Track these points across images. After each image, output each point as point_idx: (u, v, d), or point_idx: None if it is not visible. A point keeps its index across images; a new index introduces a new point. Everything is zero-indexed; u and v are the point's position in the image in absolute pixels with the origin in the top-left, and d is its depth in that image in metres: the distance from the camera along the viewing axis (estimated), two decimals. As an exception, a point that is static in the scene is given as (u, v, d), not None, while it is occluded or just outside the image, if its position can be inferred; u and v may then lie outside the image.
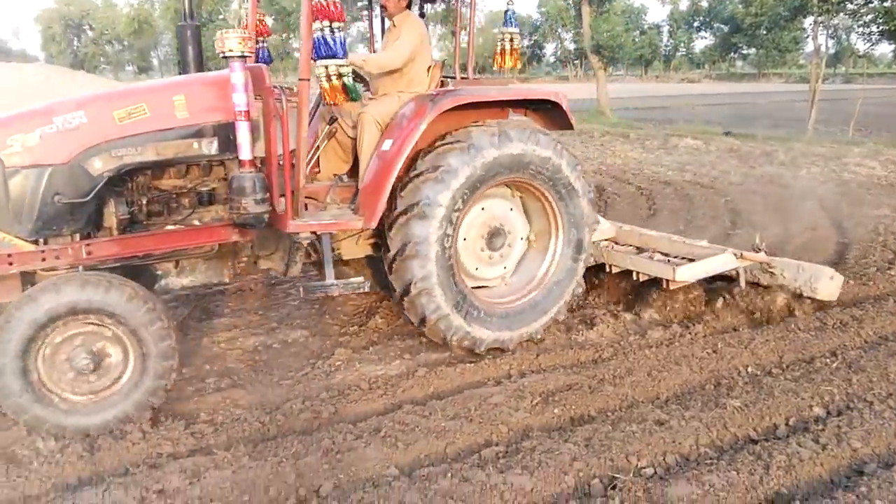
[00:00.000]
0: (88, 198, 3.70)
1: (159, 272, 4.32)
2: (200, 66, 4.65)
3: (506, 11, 4.91)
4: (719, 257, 5.09)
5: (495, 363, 4.49)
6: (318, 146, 4.72)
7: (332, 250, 4.49)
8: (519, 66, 5.10)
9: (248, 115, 3.70)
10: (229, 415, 3.83)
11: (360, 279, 4.42)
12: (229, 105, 3.68)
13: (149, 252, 4.04)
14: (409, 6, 4.78)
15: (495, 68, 5.11)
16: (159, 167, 4.02)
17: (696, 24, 74.90)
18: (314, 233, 4.25)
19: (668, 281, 4.96)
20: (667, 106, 29.07)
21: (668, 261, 5.16)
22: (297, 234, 4.17)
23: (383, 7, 4.88)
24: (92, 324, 3.55)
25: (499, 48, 4.97)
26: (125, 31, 58.57)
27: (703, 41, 78.13)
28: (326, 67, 3.86)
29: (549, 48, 77.26)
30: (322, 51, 3.82)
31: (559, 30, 54.01)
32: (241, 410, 3.89)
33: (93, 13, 61.92)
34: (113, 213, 3.95)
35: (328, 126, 4.73)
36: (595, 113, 24.16)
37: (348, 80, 3.88)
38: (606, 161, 13.84)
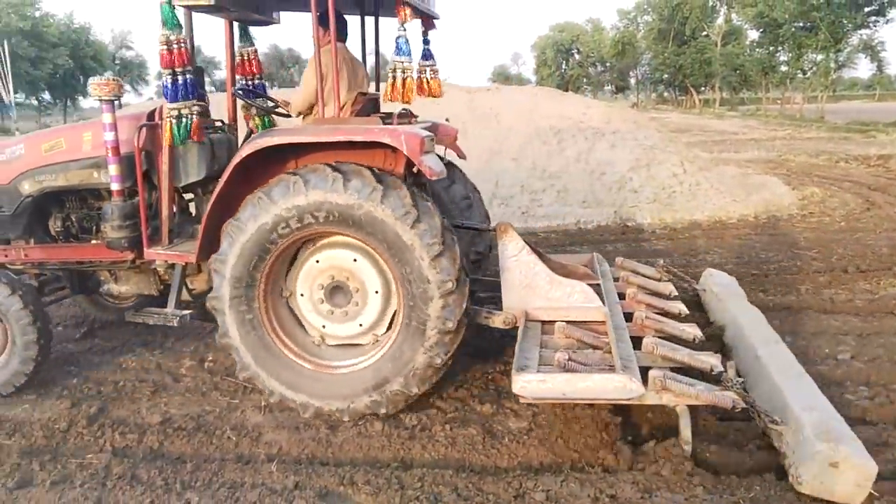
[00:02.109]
0: (15, 212, 4.68)
1: (102, 278, 4.98)
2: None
3: (397, 38, 4.14)
4: (594, 378, 3.35)
5: None
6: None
7: None
8: (410, 99, 4.32)
9: (116, 151, 4.22)
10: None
11: (184, 312, 4.42)
12: (122, 141, 4.24)
13: (63, 260, 4.81)
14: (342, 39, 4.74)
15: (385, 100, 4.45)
16: (81, 191, 4.69)
17: None
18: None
19: None
20: None
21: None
22: (153, 261, 4.55)
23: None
24: None
25: (390, 81, 4.24)
26: (609, 53, 62.72)
27: None
28: (178, 109, 4.05)
29: None
30: (171, 95, 4.02)
31: None
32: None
33: (582, 38, 67.92)
34: (52, 227, 4.87)
35: None
36: None
37: (190, 119, 4.09)
38: None
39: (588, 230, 9.80)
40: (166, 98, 4.09)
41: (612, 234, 9.46)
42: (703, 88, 60.63)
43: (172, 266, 4.57)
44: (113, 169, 4.28)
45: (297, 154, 4.11)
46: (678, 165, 11.35)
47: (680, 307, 4.45)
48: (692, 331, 3.99)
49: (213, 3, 4.10)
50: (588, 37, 68.31)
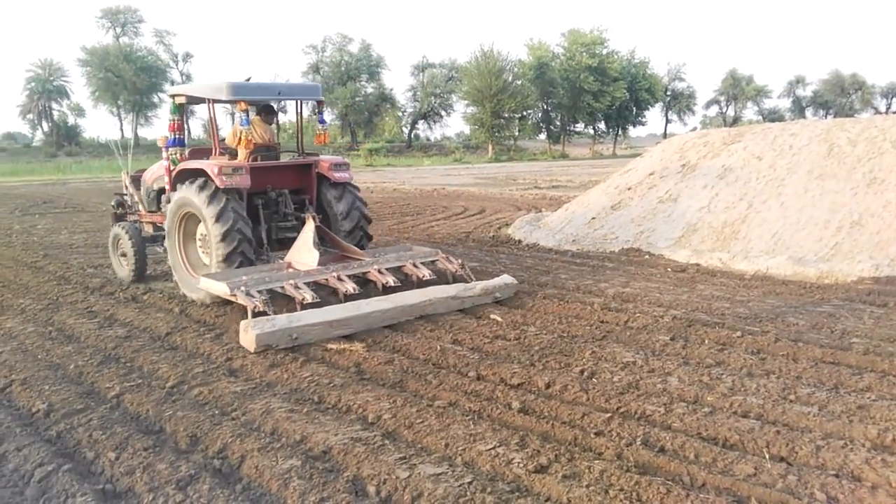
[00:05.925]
0: (151, 198, 9.59)
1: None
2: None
3: (241, 116, 7.88)
4: (217, 283, 6.88)
5: None
6: None
7: None
8: (252, 147, 8.05)
9: (168, 171, 8.68)
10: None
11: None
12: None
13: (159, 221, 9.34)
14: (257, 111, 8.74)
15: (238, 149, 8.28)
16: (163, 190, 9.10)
17: None
18: None
19: None
20: None
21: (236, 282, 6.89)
22: None
23: None
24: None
25: (240, 138, 7.97)
26: None
27: None
28: (174, 152, 8.69)
29: None
30: (172, 143, 8.66)
31: None
32: None
33: None
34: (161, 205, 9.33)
35: None
36: None
37: (176, 158, 8.66)
38: None
39: None
40: (169, 146, 8.61)
41: None
42: None
43: None
44: (165, 179, 8.78)
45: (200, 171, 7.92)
46: None
47: (390, 279, 7.43)
48: (348, 287, 7.09)
49: (184, 102, 8.65)
50: None
